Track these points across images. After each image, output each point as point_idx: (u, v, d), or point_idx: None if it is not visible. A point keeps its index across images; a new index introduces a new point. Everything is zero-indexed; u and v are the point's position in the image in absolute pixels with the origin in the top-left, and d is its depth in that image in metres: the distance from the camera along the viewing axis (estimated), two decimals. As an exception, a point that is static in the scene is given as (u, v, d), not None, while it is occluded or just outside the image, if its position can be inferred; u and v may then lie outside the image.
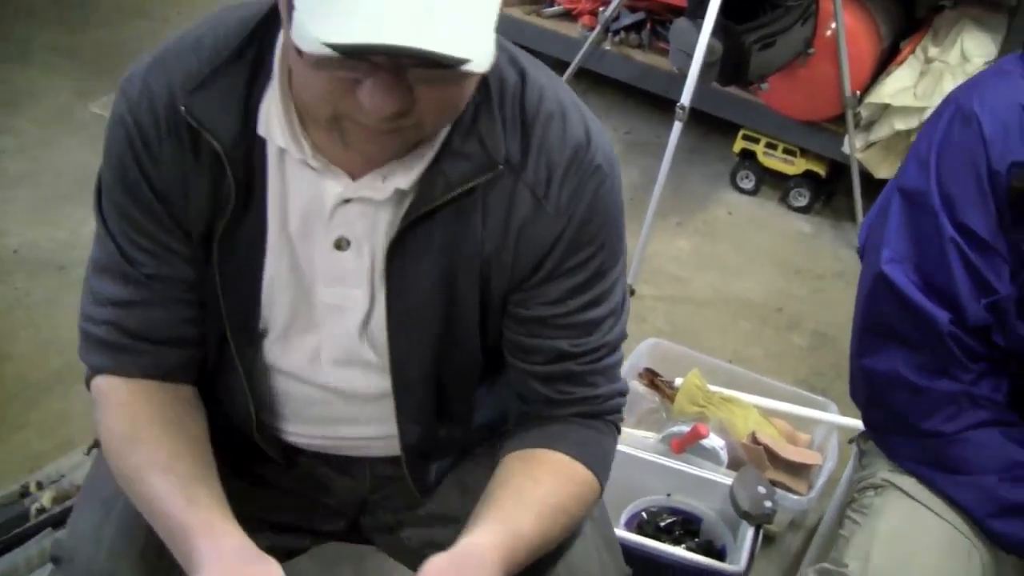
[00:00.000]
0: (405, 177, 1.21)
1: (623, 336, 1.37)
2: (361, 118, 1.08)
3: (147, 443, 1.26)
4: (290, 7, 1.01)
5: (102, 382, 1.33)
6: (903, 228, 1.55)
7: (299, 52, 1.02)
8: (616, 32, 3.90)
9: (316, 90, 1.08)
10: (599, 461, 1.36)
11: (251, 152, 1.23)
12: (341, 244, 1.27)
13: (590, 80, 4.02)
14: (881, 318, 1.59)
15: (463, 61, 0.97)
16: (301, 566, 1.72)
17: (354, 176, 1.22)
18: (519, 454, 1.34)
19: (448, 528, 1.43)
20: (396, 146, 1.16)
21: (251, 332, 1.33)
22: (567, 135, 1.25)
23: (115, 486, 1.31)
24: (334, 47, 0.96)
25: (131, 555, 1.30)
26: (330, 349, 1.35)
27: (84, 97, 3.77)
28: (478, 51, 0.99)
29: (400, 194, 1.23)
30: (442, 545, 1.35)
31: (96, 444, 1.44)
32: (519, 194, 1.24)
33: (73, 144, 3.51)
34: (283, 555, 1.58)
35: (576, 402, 1.36)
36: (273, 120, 1.20)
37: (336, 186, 1.23)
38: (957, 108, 1.53)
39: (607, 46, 3.90)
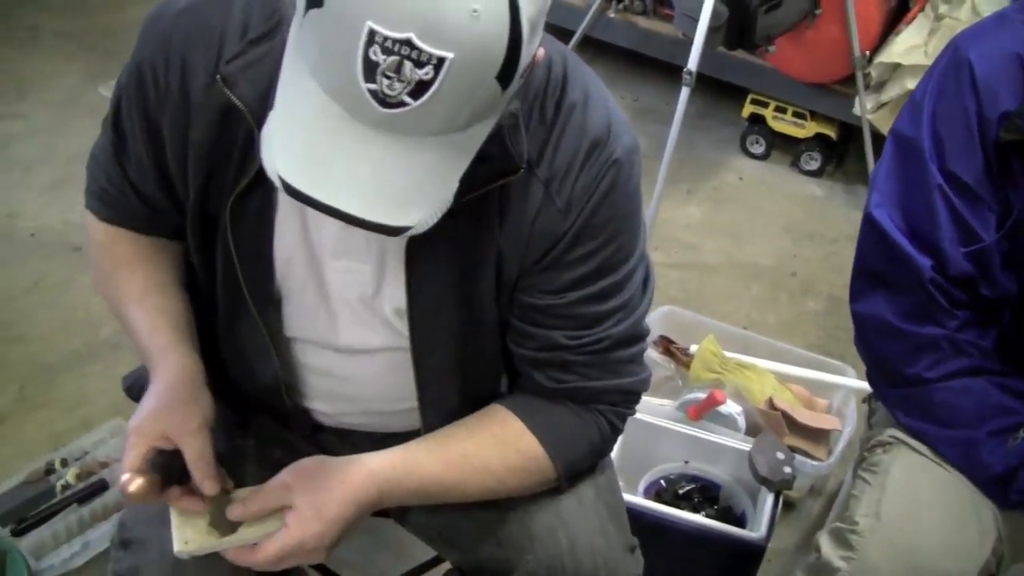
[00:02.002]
0: None
1: (637, 331, 1.35)
2: None
3: (123, 280, 1.39)
4: (270, 104, 1.03)
5: (90, 217, 1.43)
6: (892, 172, 1.55)
7: None
8: (620, -1, 3.88)
9: None
10: (560, 444, 1.35)
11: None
12: None
13: (595, 48, 4.00)
14: (869, 262, 1.59)
15: (404, 230, 1.00)
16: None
17: None
18: (489, 408, 1.36)
19: (453, 508, 1.42)
20: None
21: (270, 296, 1.34)
22: (587, 127, 1.23)
23: None
24: (285, 185, 0.98)
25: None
26: (343, 318, 1.35)
27: (93, 80, 3.79)
28: (423, 217, 1.01)
29: None
30: (443, 529, 1.38)
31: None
32: (532, 188, 1.23)
33: (84, 127, 3.50)
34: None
35: (567, 391, 1.34)
36: None
37: None
38: (954, 54, 1.51)
39: (611, 13, 3.89)
